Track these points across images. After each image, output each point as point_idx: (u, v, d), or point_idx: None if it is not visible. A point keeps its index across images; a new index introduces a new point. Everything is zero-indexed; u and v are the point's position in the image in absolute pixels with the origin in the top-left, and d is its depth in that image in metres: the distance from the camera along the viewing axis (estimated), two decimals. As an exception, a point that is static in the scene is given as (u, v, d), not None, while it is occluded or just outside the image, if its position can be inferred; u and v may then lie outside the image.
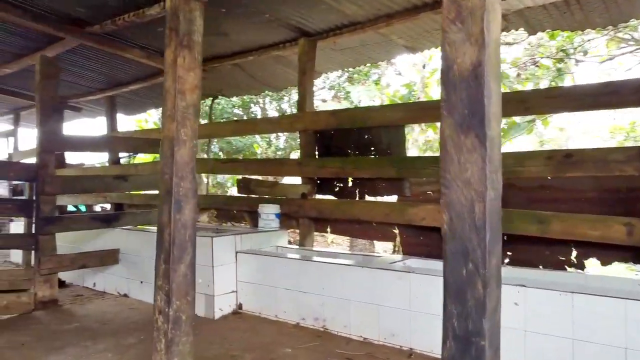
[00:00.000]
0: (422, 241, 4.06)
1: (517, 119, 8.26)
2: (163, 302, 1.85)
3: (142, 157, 9.50)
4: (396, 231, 4.23)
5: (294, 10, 4.36)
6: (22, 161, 6.62)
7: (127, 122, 12.87)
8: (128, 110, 8.03)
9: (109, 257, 4.99)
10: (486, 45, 1.13)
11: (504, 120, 8.34)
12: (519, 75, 8.14)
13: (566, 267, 3.50)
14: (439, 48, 5.17)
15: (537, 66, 7.80)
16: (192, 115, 1.91)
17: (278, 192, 4.96)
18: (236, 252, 4.35)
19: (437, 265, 3.68)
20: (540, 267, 3.58)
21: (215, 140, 8.37)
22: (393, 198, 4.32)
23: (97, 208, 7.45)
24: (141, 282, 4.80)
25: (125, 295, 4.98)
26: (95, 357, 3.25)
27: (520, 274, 3.38)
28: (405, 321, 3.29)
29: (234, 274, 4.33)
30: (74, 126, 9.56)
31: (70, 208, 7.75)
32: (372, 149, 4.38)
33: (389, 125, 4.18)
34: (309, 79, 4.77)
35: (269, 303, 4.09)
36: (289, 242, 5.06)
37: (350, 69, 7.76)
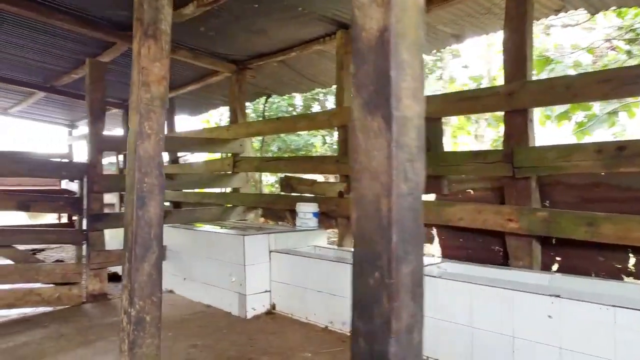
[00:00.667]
0: (461, 243, 3.74)
1: (596, 109, 7.48)
2: (127, 303, 1.78)
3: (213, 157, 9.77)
4: (434, 232, 3.94)
5: (327, 1, 4.21)
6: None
7: (194, 122, 13.39)
8: (188, 111, 8.29)
9: (155, 254, 5.12)
10: (393, 5, 0.92)
11: (582, 113, 7.58)
12: (595, 62, 7.36)
13: (623, 276, 3.05)
14: (488, 35, 4.80)
15: (614, 50, 6.99)
16: (159, 108, 1.83)
17: (318, 190, 4.83)
18: (270, 251, 4.28)
19: (473, 270, 3.37)
20: (593, 275, 3.15)
21: (271, 139, 8.49)
22: (432, 197, 4.02)
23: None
24: (184, 278, 4.88)
25: (171, 292, 5.09)
26: (116, 352, 3.30)
27: (565, 283, 3.00)
28: (432, 330, 3.02)
29: (268, 273, 4.26)
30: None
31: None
32: (410, 144, 4.11)
33: (426, 119, 3.89)
34: (346, 73, 4.59)
35: (300, 304, 3.97)
36: (330, 242, 4.91)
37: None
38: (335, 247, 4.61)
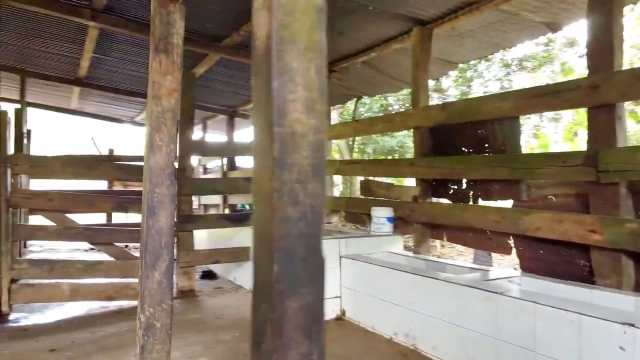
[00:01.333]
0: (541, 255, 3.35)
1: None
2: (139, 308, 1.86)
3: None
4: (511, 242, 3.58)
5: (398, -1, 4.04)
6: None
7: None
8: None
9: (241, 254, 5.34)
10: (276, 8, 0.82)
11: None
12: None
13: None
14: (581, 21, 4.24)
15: None
16: (169, 120, 1.87)
17: (393, 194, 4.67)
18: (340, 257, 4.22)
19: (550, 287, 3.02)
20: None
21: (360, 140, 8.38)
22: (509, 203, 3.66)
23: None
24: (264, 279, 5.02)
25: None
26: (183, 350, 3.48)
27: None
28: (491, 350, 2.76)
29: (338, 279, 4.21)
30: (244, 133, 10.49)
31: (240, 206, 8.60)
32: (486, 145, 3.78)
33: (502, 118, 3.55)
34: (422, 71, 4.37)
35: (367, 312, 3.88)
36: (406, 249, 4.72)
37: (515, 56, 6.91)
38: (411, 254, 4.41)
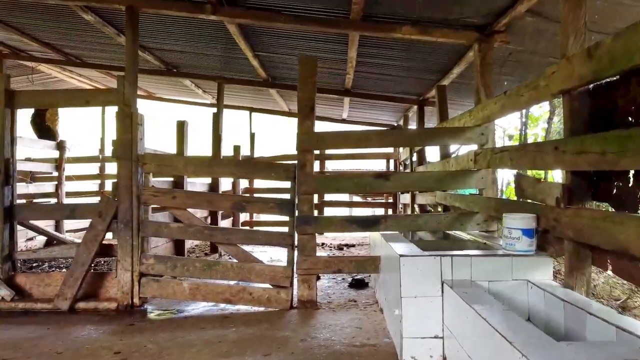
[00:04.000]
0: None
1: None
2: None
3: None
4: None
5: None
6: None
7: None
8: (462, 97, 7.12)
9: (368, 264, 4.50)
10: None
11: None
12: None
13: None
14: None
15: None
16: None
17: (539, 193, 3.10)
18: (442, 282, 3.04)
19: None
20: None
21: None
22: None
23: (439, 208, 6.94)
24: (385, 298, 4.09)
25: (382, 310, 4.36)
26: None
27: None
28: None
29: (439, 313, 3.04)
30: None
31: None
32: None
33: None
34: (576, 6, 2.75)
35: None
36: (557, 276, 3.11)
37: None
38: (559, 288, 2.86)
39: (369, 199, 14.46)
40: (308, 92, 4.62)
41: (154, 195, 4.66)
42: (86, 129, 15.97)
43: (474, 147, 4.64)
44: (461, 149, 7.03)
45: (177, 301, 4.71)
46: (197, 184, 7.19)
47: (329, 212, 11.45)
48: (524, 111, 7.68)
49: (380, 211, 11.62)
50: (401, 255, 3.11)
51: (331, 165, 14.01)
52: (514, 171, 4.33)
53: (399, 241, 3.90)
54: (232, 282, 4.69)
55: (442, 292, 3.04)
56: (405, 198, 8.90)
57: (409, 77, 7.03)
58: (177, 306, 4.67)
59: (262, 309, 4.54)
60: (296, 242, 4.59)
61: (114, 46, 6.75)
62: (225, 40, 6.10)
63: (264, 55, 6.71)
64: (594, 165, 2.40)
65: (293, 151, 13.48)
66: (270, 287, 4.56)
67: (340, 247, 8.82)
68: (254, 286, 4.60)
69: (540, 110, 9.56)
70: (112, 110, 4.73)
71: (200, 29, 5.91)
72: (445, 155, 6.22)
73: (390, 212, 11.26)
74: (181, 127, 6.36)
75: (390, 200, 11.41)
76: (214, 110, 8.47)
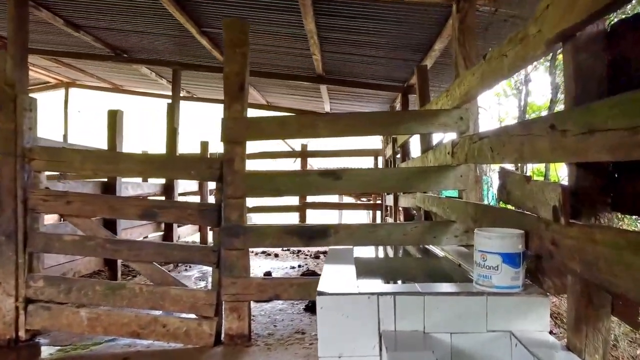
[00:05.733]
0: None
1: None
2: None
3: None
4: None
5: None
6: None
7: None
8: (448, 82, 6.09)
9: (313, 289, 3.45)
10: None
11: None
12: None
13: None
14: None
15: None
16: None
17: (529, 200, 2.05)
18: (380, 335, 2.01)
19: None
20: None
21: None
22: None
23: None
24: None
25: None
26: None
27: None
28: None
29: (376, 379, 2.01)
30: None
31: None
32: None
33: None
34: None
35: None
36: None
37: None
38: (562, 346, 1.82)
39: (364, 200, 13.37)
40: (237, 66, 3.59)
41: (44, 200, 3.66)
42: None
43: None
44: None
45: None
46: (145, 186, 6.15)
47: (312, 215, 10.43)
48: (522, 99, 6.56)
49: (378, 213, 10.55)
50: (319, 293, 2.08)
51: (316, 164, 12.93)
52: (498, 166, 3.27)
53: (342, 261, 2.86)
54: (143, 312, 3.66)
55: (381, 347, 2.01)
56: (390, 199, 7.84)
57: (387, 57, 5.99)
58: (82, 340, 3.67)
59: (179, 345, 3.53)
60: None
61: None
62: (163, 14, 5.10)
63: (213, 33, 5.69)
64: (616, 152, 1.35)
65: (276, 148, 12.61)
66: (195, 316, 3.55)
67: (316, 256, 7.81)
68: (170, 316, 3.59)
69: (544, 98, 8.48)
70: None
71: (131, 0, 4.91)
72: (427, 148, 5.17)
73: (379, 214, 10.24)
74: (113, 117, 5.33)
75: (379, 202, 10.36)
76: (179, 103, 7.41)
